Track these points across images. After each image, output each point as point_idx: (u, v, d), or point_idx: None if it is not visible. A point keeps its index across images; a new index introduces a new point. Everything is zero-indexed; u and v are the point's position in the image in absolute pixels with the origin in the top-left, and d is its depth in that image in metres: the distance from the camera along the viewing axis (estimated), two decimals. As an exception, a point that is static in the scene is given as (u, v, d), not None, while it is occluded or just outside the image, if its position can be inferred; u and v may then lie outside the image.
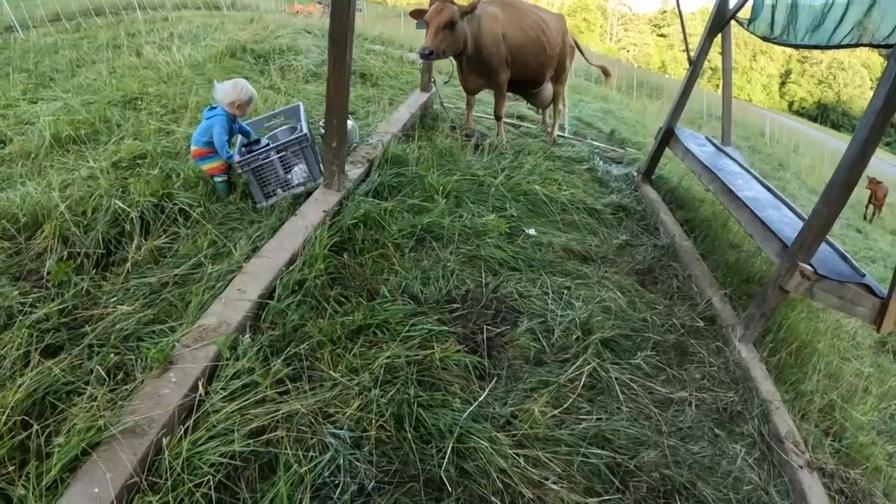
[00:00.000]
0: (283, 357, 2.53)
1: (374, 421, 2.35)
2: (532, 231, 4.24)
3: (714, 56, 6.02)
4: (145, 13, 10.54)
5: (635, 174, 6.33)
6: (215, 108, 3.65)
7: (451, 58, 5.16)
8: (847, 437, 3.40)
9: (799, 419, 3.30)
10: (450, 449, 2.30)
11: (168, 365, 2.28)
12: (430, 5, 4.76)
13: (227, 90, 3.60)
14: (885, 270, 7.33)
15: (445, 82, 6.23)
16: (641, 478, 2.54)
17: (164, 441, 2.01)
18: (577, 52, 6.71)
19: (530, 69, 5.72)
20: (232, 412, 2.20)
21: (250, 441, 2.13)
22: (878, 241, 9.52)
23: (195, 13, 10.87)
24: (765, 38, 5.24)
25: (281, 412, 2.27)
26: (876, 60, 59.16)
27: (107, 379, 2.30)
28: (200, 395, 2.24)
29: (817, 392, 3.60)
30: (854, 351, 4.54)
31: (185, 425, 2.12)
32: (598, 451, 2.54)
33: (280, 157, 3.68)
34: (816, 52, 53.93)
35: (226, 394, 2.27)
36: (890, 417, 3.97)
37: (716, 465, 2.77)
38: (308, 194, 3.75)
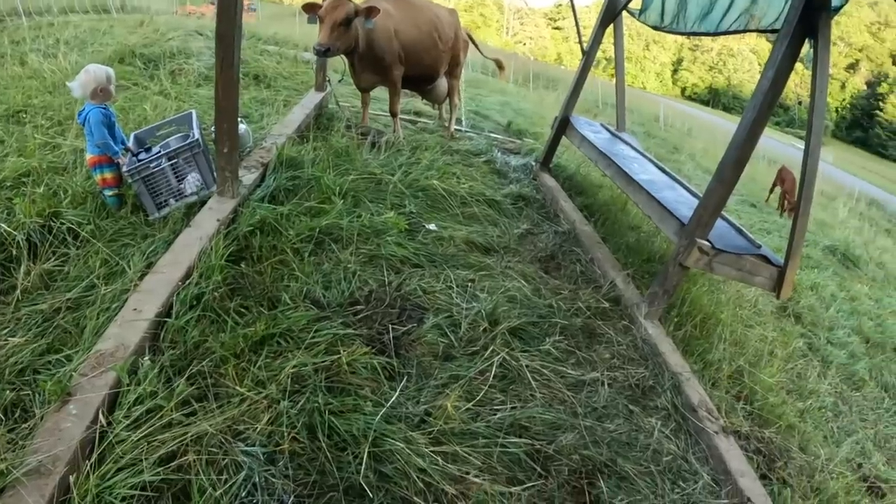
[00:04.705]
0: (185, 376, 2.39)
1: (286, 434, 2.26)
2: (433, 226, 4.22)
3: (608, 46, 6.20)
4: (31, 19, 9.80)
5: (533, 164, 6.40)
6: (83, 109, 3.38)
7: (342, 56, 5.08)
8: (758, 400, 3.58)
9: (710, 388, 3.44)
10: (366, 454, 2.24)
11: (67, 397, 2.10)
12: (324, 0, 4.64)
13: (82, 81, 3.31)
14: (780, 240, 7.77)
15: (339, 80, 6.11)
16: (562, 461, 2.57)
17: (71, 479, 1.86)
18: (471, 46, 6.79)
19: (424, 65, 5.72)
20: (138, 440, 2.05)
21: (160, 469, 1.99)
22: (773, 214, 10.10)
23: (83, 17, 10.22)
24: (655, 27, 5.45)
25: (189, 434, 2.13)
26: (764, 46, 63.02)
27: (2, 419, 2.10)
28: (102, 426, 2.08)
29: (725, 360, 3.77)
30: (756, 318, 4.79)
31: (91, 459, 1.97)
32: (516, 440, 2.56)
33: (172, 165, 3.49)
34: (707, 40, 57.09)
35: (129, 421, 2.11)
36: (797, 377, 4.22)
37: (634, 441, 2.84)
38: (202, 203, 3.57)
